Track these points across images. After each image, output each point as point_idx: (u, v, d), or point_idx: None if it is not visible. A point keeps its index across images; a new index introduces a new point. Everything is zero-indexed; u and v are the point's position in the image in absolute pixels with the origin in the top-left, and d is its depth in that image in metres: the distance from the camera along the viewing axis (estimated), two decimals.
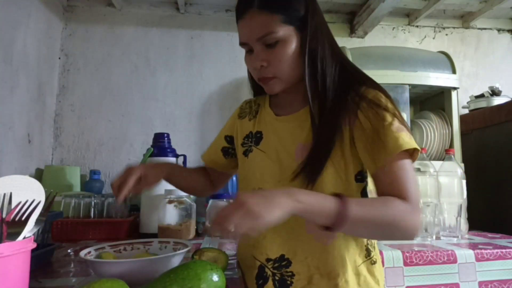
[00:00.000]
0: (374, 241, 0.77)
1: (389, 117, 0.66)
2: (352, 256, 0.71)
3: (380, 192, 0.66)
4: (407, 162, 0.65)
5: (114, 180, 0.76)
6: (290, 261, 0.71)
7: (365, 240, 0.74)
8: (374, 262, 0.73)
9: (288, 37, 0.69)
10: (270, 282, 0.71)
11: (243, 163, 0.82)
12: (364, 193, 0.73)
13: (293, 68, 0.72)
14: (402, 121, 0.67)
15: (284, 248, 0.72)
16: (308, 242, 0.71)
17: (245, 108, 0.90)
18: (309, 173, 0.68)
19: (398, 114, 0.68)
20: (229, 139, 0.90)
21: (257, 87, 0.85)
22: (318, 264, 0.70)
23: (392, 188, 0.63)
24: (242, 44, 0.74)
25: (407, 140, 0.64)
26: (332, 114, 0.69)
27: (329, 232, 0.60)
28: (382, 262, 0.79)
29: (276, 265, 0.71)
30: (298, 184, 0.68)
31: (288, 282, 0.70)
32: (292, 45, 0.70)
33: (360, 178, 0.72)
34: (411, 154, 0.66)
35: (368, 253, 0.73)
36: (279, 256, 0.72)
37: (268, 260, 0.73)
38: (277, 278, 0.71)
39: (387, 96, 0.70)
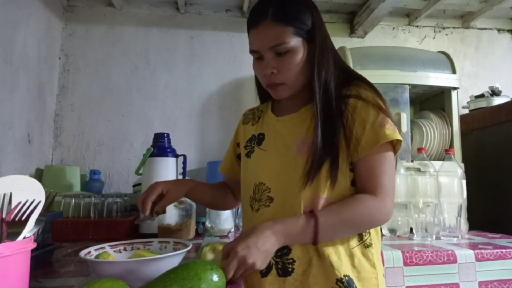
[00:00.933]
0: None
1: (373, 111, 0.73)
2: (345, 240, 0.74)
3: (356, 183, 0.75)
4: (386, 155, 0.73)
5: (139, 197, 0.82)
6: (290, 248, 0.74)
7: None
8: (368, 245, 0.76)
9: (298, 47, 0.75)
10: (273, 271, 0.74)
11: (246, 164, 0.87)
12: (354, 183, 0.76)
13: (300, 76, 0.77)
14: (387, 114, 0.74)
15: None
16: None
17: (248, 115, 0.96)
18: (309, 171, 0.73)
19: (384, 107, 0.74)
20: (239, 145, 0.96)
21: (262, 94, 0.92)
22: (316, 247, 0.73)
23: (366, 180, 0.73)
24: (253, 51, 0.78)
25: (389, 133, 0.72)
26: (332, 114, 0.75)
27: None
28: (383, 262, 0.79)
29: (278, 253, 0.74)
30: (301, 178, 0.73)
31: (290, 269, 0.73)
32: (300, 55, 0.76)
33: (351, 168, 0.76)
34: (394, 145, 0.74)
35: (360, 237, 0.76)
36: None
37: None
38: (279, 266, 0.74)
39: (375, 90, 0.77)
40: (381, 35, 2.10)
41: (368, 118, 0.73)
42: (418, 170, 1.37)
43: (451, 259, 1.03)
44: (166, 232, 1.13)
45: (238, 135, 0.96)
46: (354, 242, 0.75)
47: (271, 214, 0.76)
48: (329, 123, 0.74)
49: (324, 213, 0.70)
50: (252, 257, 0.64)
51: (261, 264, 0.65)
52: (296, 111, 0.82)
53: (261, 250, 0.65)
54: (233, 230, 1.35)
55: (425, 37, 2.14)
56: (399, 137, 0.72)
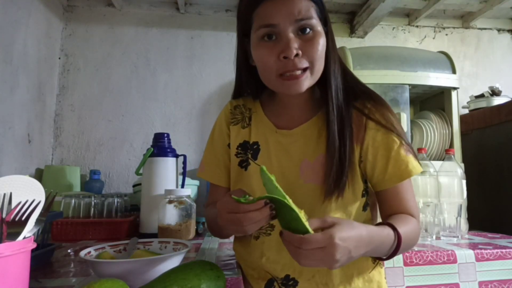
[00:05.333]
0: None
1: (397, 140, 0.68)
2: (360, 265, 0.71)
3: (387, 209, 0.69)
4: (409, 182, 0.70)
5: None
6: (297, 281, 0.69)
7: None
8: (382, 266, 0.74)
9: (321, 29, 0.66)
10: None
11: (240, 176, 0.75)
12: (365, 207, 0.73)
13: (321, 65, 0.66)
14: (407, 142, 0.69)
15: (290, 269, 0.70)
16: None
17: (235, 113, 0.80)
18: (335, 189, 0.66)
19: (403, 133, 0.70)
20: (229, 147, 0.81)
21: (254, 87, 0.77)
22: (327, 281, 0.69)
23: (401, 207, 0.68)
24: (267, 26, 0.64)
25: (415, 164, 0.68)
26: (342, 124, 0.68)
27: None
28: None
29: (284, 282, 0.70)
30: (310, 208, 0.65)
31: None
32: (323, 39, 0.65)
33: (364, 193, 0.73)
34: None
35: (373, 258, 0.73)
36: (284, 276, 0.70)
37: (276, 277, 0.72)
38: None
39: (392, 112, 0.71)
40: (381, 35, 2.10)
41: (393, 148, 0.68)
42: None
43: (451, 259, 1.03)
44: (166, 232, 1.13)
45: (225, 135, 0.80)
46: (370, 265, 0.72)
47: (274, 243, 0.70)
48: (343, 139, 0.67)
49: (400, 228, 0.61)
50: (340, 257, 0.50)
51: (339, 265, 0.52)
52: (298, 123, 0.73)
53: (350, 255, 0.52)
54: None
55: (425, 37, 2.13)
56: (422, 169, 0.69)
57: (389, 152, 0.68)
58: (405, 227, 0.62)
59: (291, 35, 0.63)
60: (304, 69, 0.64)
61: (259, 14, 0.65)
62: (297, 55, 0.63)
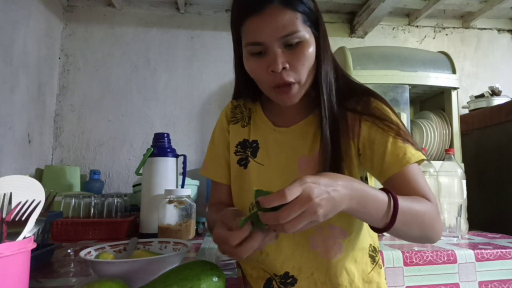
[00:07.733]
0: (375, 245, 0.76)
1: (393, 130, 0.67)
2: (360, 266, 0.71)
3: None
4: (417, 168, 0.67)
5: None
6: (296, 279, 0.69)
7: (366, 247, 0.73)
8: (381, 266, 0.74)
9: (309, 38, 0.65)
10: None
11: (240, 174, 0.76)
12: None
13: (310, 73, 0.67)
14: (405, 132, 0.68)
15: (289, 265, 0.70)
16: (313, 258, 0.70)
17: (236, 113, 0.83)
18: None
19: (401, 124, 0.69)
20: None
21: (252, 91, 0.78)
22: (325, 280, 0.69)
23: (411, 192, 0.63)
24: (254, 44, 0.64)
25: (414, 152, 0.66)
26: (336, 125, 0.68)
27: (336, 246, 0.66)
28: (383, 262, 0.79)
29: (282, 281, 0.70)
30: None
31: None
32: (312, 47, 0.66)
33: None
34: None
35: (373, 259, 0.73)
36: (283, 274, 0.71)
37: (275, 275, 0.72)
38: None
39: (388, 105, 0.70)
40: (381, 35, 2.10)
41: (389, 138, 0.66)
42: None
43: (451, 259, 1.03)
44: (166, 232, 1.13)
45: (226, 134, 0.82)
46: (369, 266, 0.72)
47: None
48: (336, 137, 0.66)
49: (399, 197, 0.56)
50: (321, 203, 0.46)
51: (324, 213, 0.47)
52: (296, 121, 0.74)
53: (334, 201, 0.48)
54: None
55: (425, 37, 2.13)
56: (424, 157, 0.66)
57: (385, 142, 0.66)
58: (407, 199, 0.58)
59: (278, 50, 0.63)
60: (293, 83, 0.65)
61: (245, 30, 0.66)
62: (284, 68, 0.64)
